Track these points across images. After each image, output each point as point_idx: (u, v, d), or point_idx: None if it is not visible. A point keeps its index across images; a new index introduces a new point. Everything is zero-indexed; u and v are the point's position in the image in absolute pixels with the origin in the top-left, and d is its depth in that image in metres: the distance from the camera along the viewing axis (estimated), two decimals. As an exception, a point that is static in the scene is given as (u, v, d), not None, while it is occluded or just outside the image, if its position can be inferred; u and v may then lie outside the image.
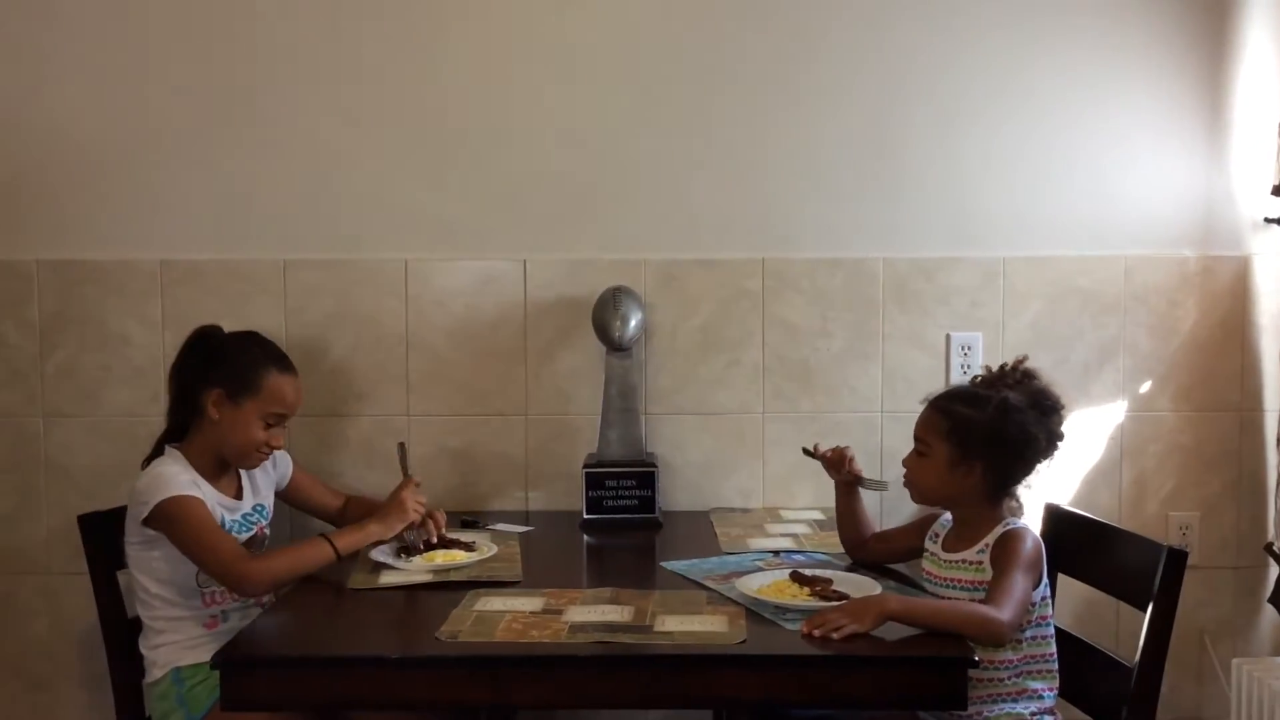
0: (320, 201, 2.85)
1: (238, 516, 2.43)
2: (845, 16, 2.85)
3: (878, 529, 2.45)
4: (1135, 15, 2.85)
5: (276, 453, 2.47)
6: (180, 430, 2.42)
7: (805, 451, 2.44)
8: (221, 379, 2.36)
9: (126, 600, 2.44)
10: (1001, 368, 2.25)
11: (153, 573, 2.34)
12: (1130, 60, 2.85)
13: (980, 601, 2.03)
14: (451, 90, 2.85)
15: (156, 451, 2.42)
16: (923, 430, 2.21)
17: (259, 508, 2.49)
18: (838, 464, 2.38)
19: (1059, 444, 2.18)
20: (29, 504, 2.86)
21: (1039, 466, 2.17)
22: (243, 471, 2.47)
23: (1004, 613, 1.97)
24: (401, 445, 2.51)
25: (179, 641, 2.34)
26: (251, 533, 2.45)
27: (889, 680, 1.83)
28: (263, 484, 2.52)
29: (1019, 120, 2.86)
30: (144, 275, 2.84)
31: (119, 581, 2.43)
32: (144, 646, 2.37)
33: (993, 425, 2.13)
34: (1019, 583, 2.03)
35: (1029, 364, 2.23)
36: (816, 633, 1.86)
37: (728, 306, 2.89)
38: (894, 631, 1.90)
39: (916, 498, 2.24)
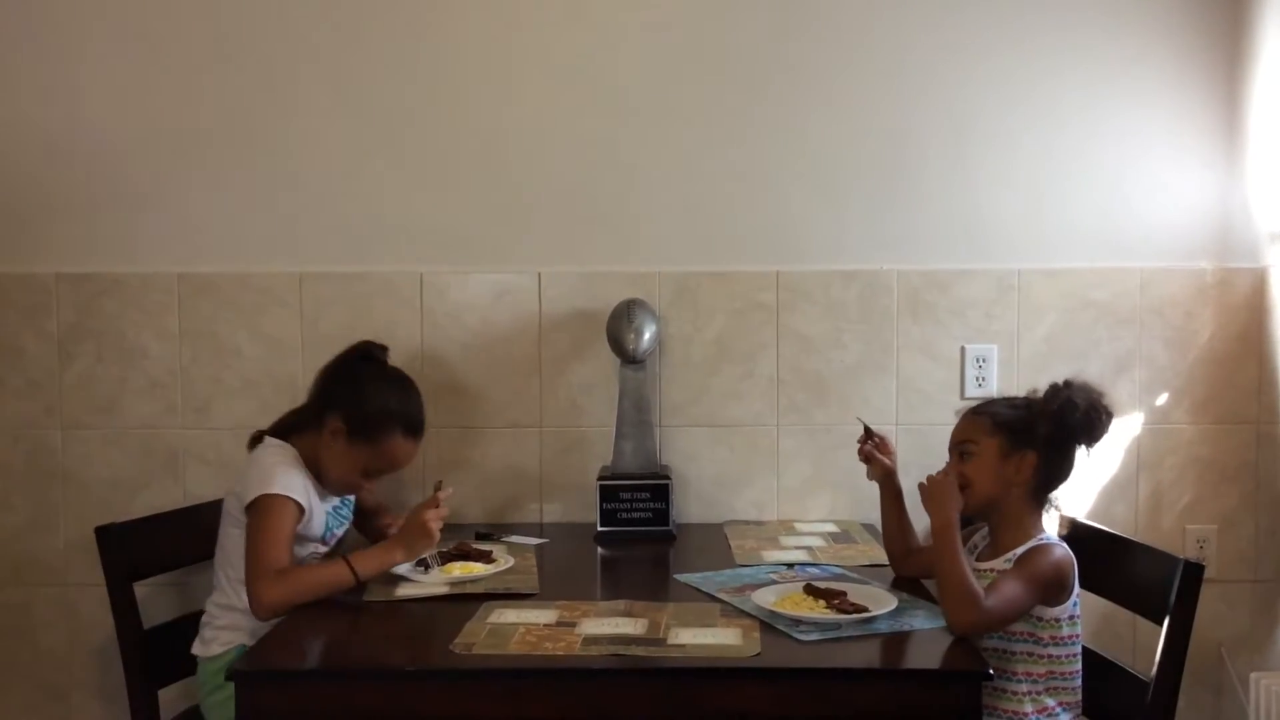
0: (336, 215, 2.87)
1: (329, 508, 2.43)
2: (859, 28, 2.85)
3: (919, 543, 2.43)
4: (1150, 27, 2.84)
5: None
6: (293, 426, 2.41)
7: (864, 425, 2.45)
8: (350, 413, 2.35)
9: (143, 612, 2.45)
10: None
11: None
12: (1146, 71, 2.85)
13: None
14: (466, 104, 2.86)
15: (274, 431, 2.41)
16: (964, 433, 2.22)
17: (347, 501, 2.51)
18: (872, 454, 2.40)
19: (1111, 422, 2.18)
20: (46, 515, 2.87)
21: (1089, 451, 2.18)
22: None
23: (989, 600, 1.98)
24: (439, 484, 2.38)
25: (248, 627, 2.31)
26: (344, 526, 2.47)
27: (904, 694, 1.83)
28: None
29: (1033, 131, 2.86)
30: (161, 288, 2.86)
31: (135, 593, 2.44)
32: (210, 626, 2.37)
33: (1061, 407, 2.15)
34: (1016, 588, 2.03)
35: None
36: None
37: (742, 318, 2.89)
38: (908, 645, 1.90)
39: (964, 505, 2.20)
